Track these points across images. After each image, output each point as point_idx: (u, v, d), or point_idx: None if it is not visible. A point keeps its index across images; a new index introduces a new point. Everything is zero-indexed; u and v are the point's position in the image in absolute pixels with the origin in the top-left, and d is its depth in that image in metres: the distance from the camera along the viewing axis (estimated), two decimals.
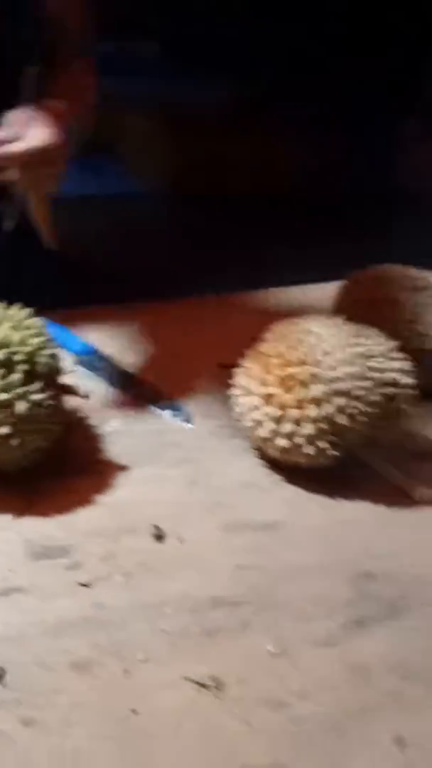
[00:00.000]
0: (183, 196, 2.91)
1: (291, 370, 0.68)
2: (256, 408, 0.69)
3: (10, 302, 0.70)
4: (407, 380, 0.70)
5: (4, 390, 0.63)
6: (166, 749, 0.48)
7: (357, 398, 0.67)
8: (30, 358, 0.65)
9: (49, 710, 0.49)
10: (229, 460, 0.74)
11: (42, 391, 0.65)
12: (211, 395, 0.82)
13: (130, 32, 4.37)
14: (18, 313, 0.69)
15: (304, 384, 0.67)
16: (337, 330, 0.71)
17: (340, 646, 0.56)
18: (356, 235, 2.22)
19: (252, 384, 0.70)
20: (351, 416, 0.67)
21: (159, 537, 0.64)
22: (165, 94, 3.39)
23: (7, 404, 0.63)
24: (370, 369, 0.68)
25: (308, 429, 0.67)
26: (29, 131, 0.77)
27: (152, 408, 0.79)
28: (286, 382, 0.68)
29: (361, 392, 0.67)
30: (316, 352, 0.68)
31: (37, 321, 0.69)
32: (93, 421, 0.77)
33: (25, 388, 0.64)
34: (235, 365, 0.74)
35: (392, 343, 0.72)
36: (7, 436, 0.63)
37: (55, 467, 0.69)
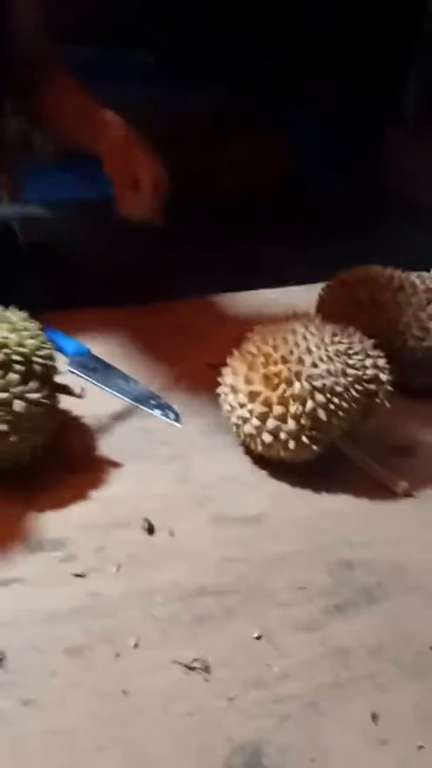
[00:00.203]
0: (173, 201, 2.94)
1: (275, 368, 0.71)
2: (242, 405, 0.72)
3: (6, 305, 0.73)
4: (386, 377, 0.73)
5: (3, 389, 0.66)
6: (156, 726, 0.51)
7: (338, 395, 0.70)
8: (27, 359, 0.68)
9: (45, 691, 0.52)
10: (216, 457, 0.77)
11: (38, 390, 0.68)
12: (199, 394, 0.85)
13: (124, 40, 4.39)
14: (15, 315, 0.72)
15: (287, 381, 0.70)
16: (318, 329, 0.74)
17: (320, 630, 0.59)
18: (341, 238, 2.26)
19: (238, 382, 0.73)
20: (332, 412, 0.70)
21: (150, 530, 0.67)
22: (159, 100, 3.42)
23: (5, 403, 0.66)
24: (351, 366, 0.72)
25: (291, 425, 0.70)
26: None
27: (143, 407, 0.82)
28: (270, 380, 0.71)
29: (342, 389, 0.70)
30: (298, 350, 0.71)
31: (34, 323, 0.72)
32: (87, 419, 0.80)
33: (22, 388, 0.67)
34: (223, 365, 0.77)
35: (371, 342, 0.76)
36: (5, 434, 0.66)
37: (50, 464, 0.72)
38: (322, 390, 0.70)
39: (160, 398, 0.84)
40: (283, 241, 2.41)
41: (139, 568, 0.63)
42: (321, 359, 0.71)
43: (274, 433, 0.71)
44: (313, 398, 0.70)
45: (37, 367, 0.69)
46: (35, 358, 0.69)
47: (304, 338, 0.73)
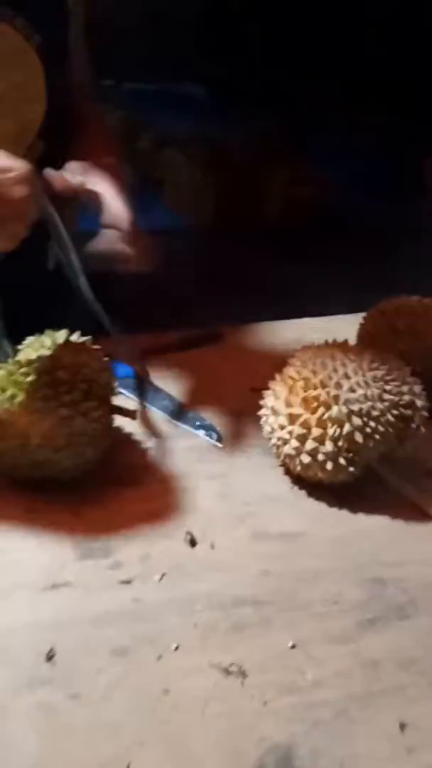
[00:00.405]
0: (222, 230, 3.02)
1: (314, 392, 0.75)
2: (282, 427, 0.76)
3: (60, 329, 0.78)
4: (422, 403, 0.76)
5: (66, 405, 0.71)
6: (194, 724, 0.54)
7: (374, 419, 0.73)
8: (89, 379, 0.73)
9: (91, 687, 0.56)
10: (257, 476, 0.80)
11: (97, 408, 0.73)
12: (242, 417, 0.88)
13: (174, 74, 4.53)
14: (80, 339, 0.77)
15: (326, 405, 0.74)
16: (357, 356, 0.77)
17: (353, 642, 0.62)
18: (382, 266, 2.29)
19: (278, 405, 0.77)
20: (368, 435, 0.73)
21: (192, 542, 0.71)
22: (208, 131, 3.51)
23: (67, 417, 0.71)
24: (387, 392, 0.75)
25: (329, 447, 0.73)
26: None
27: (188, 427, 0.87)
28: (309, 403, 0.75)
29: (378, 413, 0.73)
30: (337, 375, 0.75)
31: (96, 347, 0.77)
32: (137, 438, 0.85)
33: (83, 405, 0.72)
34: (265, 389, 0.81)
35: (408, 369, 0.79)
36: (64, 447, 0.71)
37: (102, 478, 0.76)
38: (359, 414, 0.73)
39: (204, 419, 0.88)
40: (326, 269, 2.46)
41: (181, 578, 0.67)
42: (359, 384, 0.74)
43: (313, 454, 0.74)
44: (350, 421, 0.73)
45: (97, 388, 0.74)
46: (97, 379, 0.74)
47: (343, 364, 0.76)
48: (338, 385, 0.74)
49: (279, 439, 0.77)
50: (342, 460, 0.74)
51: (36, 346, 0.76)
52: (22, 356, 0.74)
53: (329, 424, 0.73)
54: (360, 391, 0.74)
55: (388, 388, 0.75)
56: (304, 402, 0.75)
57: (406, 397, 0.75)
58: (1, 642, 0.59)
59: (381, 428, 0.73)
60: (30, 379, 0.71)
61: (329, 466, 0.74)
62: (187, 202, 3.36)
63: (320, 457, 0.74)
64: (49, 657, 0.58)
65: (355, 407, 0.73)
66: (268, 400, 0.79)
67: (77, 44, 1.00)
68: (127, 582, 0.65)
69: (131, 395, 0.91)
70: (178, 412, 0.89)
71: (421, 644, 0.62)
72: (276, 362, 0.84)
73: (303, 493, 0.78)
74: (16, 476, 0.75)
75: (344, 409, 0.73)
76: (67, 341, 0.76)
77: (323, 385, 0.75)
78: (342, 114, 4.12)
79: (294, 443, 0.75)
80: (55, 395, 0.71)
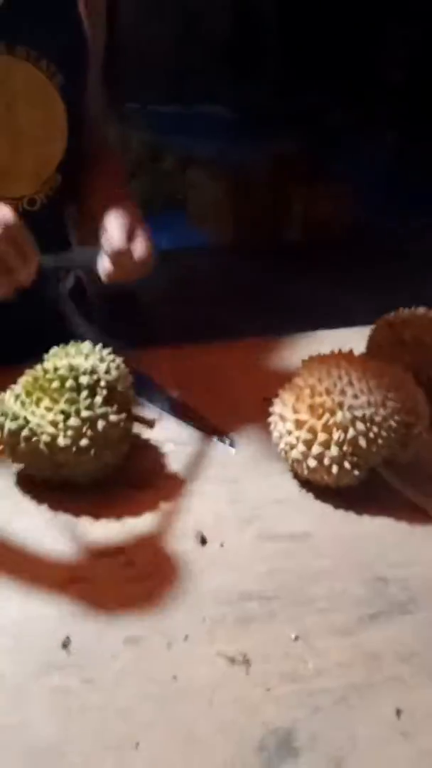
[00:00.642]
0: (243, 248, 3.08)
1: (319, 399, 0.78)
2: (290, 433, 0.79)
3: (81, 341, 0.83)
4: (423, 409, 0.79)
5: (88, 408, 0.75)
6: (200, 709, 0.58)
7: (377, 424, 0.76)
8: (110, 386, 0.78)
9: (104, 672, 0.60)
10: (266, 480, 0.84)
11: (117, 414, 0.77)
12: (253, 424, 0.92)
13: (197, 96, 4.61)
14: (102, 349, 0.82)
15: (330, 411, 0.77)
16: (361, 364, 0.81)
17: (354, 635, 0.65)
18: (402, 281, 2.32)
19: (286, 411, 0.80)
20: (371, 440, 0.76)
21: (202, 541, 0.74)
22: (229, 152, 3.58)
23: (90, 420, 0.75)
24: (390, 398, 0.78)
25: (334, 451, 0.77)
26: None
27: (203, 435, 0.90)
28: (315, 410, 0.78)
29: (381, 419, 0.76)
30: (341, 383, 0.78)
31: (118, 358, 0.82)
32: (155, 444, 0.89)
33: (104, 410, 0.76)
34: (276, 397, 0.85)
35: (411, 377, 0.82)
36: (86, 449, 0.75)
37: (119, 480, 0.80)
38: (362, 419, 0.76)
39: (217, 427, 0.91)
40: (348, 285, 2.49)
41: (191, 574, 0.70)
42: (362, 391, 0.78)
43: (319, 458, 0.77)
44: (354, 427, 0.76)
45: (118, 395, 0.79)
46: (118, 386, 0.79)
47: (347, 372, 0.79)
48: (343, 392, 0.78)
49: (287, 444, 0.80)
50: (347, 464, 0.77)
51: (61, 355, 0.81)
52: (48, 364, 0.79)
53: (334, 430, 0.77)
54: (363, 398, 0.77)
55: (390, 394, 0.78)
56: (310, 408, 0.78)
57: (409, 404, 0.78)
58: (20, 630, 0.63)
59: (384, 433, 0.76)
60: (55, 385, 0.76)
61: (335, 469, 0.77)
62: (209, 221, 3.42)
63: (326, 461, 0.77)
64: (65, 645, 0.62)
65: (359, 413, 0.76)
66: (277, 407, 0.83)
67: (95, 83, 1.05)
68: (140, 577, 0.69)
69: (150, 404, 0.95)
70: (194, 421, 0.93)
71: (421, 638, 0.65)
72: (288, 373, 0.87)
73: (310, 496, 0.82)
74: (39, 478, 0.79)
75: (348, 415, 0.76)
76: (90, 351, 0.81)
77: (328, 392, 0.78)
78: (362, 132, 4.17)
79: (301, 448, 0.78)
80: (78, 400, 0.76)
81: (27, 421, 0.76)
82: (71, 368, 0.77)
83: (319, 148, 3.71)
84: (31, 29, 0.92)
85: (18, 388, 0.79)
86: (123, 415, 0.78)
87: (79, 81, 1.00)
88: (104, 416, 0.76)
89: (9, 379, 0.82)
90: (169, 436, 0.90)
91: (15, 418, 0.76)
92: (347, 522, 0.78)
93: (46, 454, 0.76)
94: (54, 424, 0.75)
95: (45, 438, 0.75)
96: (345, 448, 0.76)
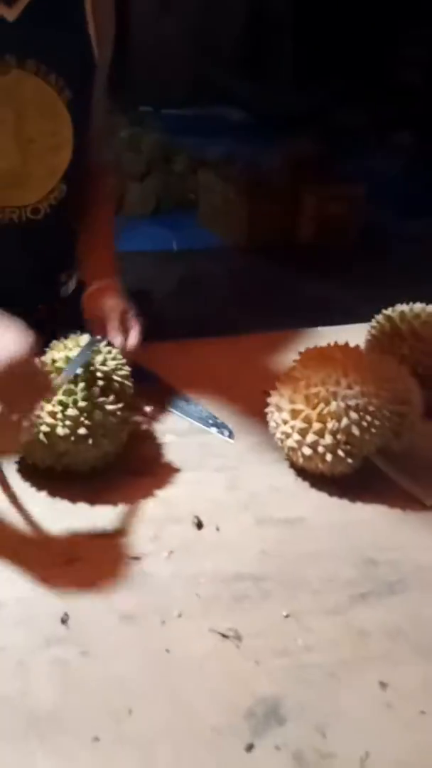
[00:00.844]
0: (255, 249, 3.10)
1: (314, 389, 0.80)
2: (285, 422, 0.82)
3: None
4: (417, 399, 0.82)
5: (86, 399, 0.78)
6: (193, 679, 0.60)
7: (370, 413, 0.79)
8: (107, 377, 0.81)
9: (101, 646, 0.63)
10: (263, 469, 0.86)
11: (115, 404, 0.80)
12: (252, 416, 0.94)
13: (209, 98, 4.65)
14: (99, 341, 0.85)
15: (325, 401, 0.80)
16: (356, 356, 0.83)
17: (344, 614, 0.67)
18: (413, 282, 2.34)
19: (282, 402, 0.83)
20: (365, 429, 0.79)
21: (199, 525, 0.77)
22: (243, 153, 3.61)
23: (87, 410, 0.78)
24: (384, 389, 0.80)
25: (328, 440, 0.79)
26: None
27: (201, 425, 0.93)
28: (310, 400, 0.80)
29: (374, 408, 0.79)
30: (336, 374, 0.81)
31: (115, 349, 0.85)
32: (153, 433, 0.91)
33: (102, 400, 0.79)
34: (274, 389, 0.87)
35: (405, 368, 0.84)
36: (84, 437, 0.78)
37: (118, 468, 0.83)
38: (356, 409, 0.79)
39: (217, 418, 0.94)
40: (358, 285, 2.51)
41: (187, 556, 0.73)
42: (356, 382, 0.80)
43: (313, 446, 0.80)
44: (347, 416, 0.79)
45: (115, 385, 0.81)
46: (114, 377, 0.81)
47: (342, 364, 0.82)
48: (337, 383, 0.80)
49: (283, 433, 0.83)
50: (341, 452, 0.79)
51: (60, 348, 0.84)
52: (46, 357, 0.82)
53: (328, 419, 0.79)
54: (357, 388, 0.79)
55: (384, 385, 0.80)
56: (305, 398, 0.81)
57: (402, 394, 0.81)
58: (21, 607, 0.66)
59: (377, 422, 0.79)
60: (53, 376, 0.79)
61: (329, 457, 0.79)
62: (220, 222, 3.45)
63: (320, 449, 0.79)
64: (64, 620, 0.65)
65: (353, 402, 0.79)
66: (273, 397, 0.85)
67: (99, 96, 1.08)
68: (137, 558, 0.72)
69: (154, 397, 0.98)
70: (193, 411, 0.95)
71: (408, 617, 0.67)
72: (287, 366, 0.90)
73: (306, 484, 0.84)
74: (40, 466, 0.82)
75: (342, 405, 0.79)
76: (88, 343, 0.84)
77: (323, 383, 0.80)
78: (375, 134, 4.18)
79: (296, 437, 0.81)
80: (75, 391, 0.78)
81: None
82: (68, 360, 0.80)
83: (334, 149, 3.73)
84: (42, 44, 0.95)
85: None
86: (120, 405, 0.81)
87: (86, 95, 1.03)
88: (101, 406, 0.79)
89: None
90: (169, 426, 0.93)
91: None
92: (341, 508, 0.80)
93: (46, 444, 0.78)
94: (52, 414, 0.78)
95: (44, 428, 0.78)
96: (339, 436, 0.79)
